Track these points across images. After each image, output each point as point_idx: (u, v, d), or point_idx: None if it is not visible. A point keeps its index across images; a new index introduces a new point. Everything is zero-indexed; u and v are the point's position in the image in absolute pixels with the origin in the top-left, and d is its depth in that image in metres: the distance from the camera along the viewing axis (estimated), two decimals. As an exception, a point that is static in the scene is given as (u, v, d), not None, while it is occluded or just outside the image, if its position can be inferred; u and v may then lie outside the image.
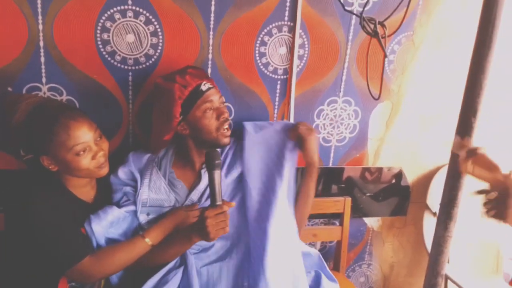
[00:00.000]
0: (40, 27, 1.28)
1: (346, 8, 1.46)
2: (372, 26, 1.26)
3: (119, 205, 1.30)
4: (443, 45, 1.66)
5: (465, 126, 0.71)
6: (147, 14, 1.36)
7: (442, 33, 1.64)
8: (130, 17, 1.35)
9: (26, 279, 1.17)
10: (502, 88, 1.78)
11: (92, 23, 1.32)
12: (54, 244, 1.11)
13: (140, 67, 1.41)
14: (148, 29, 1.38)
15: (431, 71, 1.69)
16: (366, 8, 1.42)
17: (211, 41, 1.44)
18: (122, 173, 1.34)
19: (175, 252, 1.26)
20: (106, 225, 1.23)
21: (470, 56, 0.94)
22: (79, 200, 1.24)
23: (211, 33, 1.43)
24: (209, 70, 1.47)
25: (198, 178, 1.35)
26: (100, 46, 1.35)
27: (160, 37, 1.40)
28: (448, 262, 1.74)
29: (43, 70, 1.33)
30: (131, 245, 1.19)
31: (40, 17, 1.28)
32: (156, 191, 1.31)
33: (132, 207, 1.30)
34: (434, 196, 1.80)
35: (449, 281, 1.71)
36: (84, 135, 1.15)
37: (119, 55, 1.38)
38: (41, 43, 1.30)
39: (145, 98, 1.45)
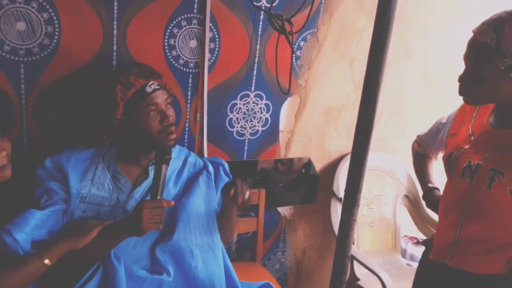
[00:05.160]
0: None
1: (255, 3, 1.48)
2: (280, 22, 1.29)
3: (39, 205, 1.17)
4: (343, 42, 1.78)
5: (364, 119, 0.77)
6: (40, 0, 1.23)
7: (342, 30, 1.75)
8: (20, 3, 1.21)
9: None
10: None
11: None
12: None
13: (34, 58, 1.28)
14: (42, 16, 1.24)
15: (334, 67, 1.80)
16: (273, 5, 1.45)
17: (115, 32, 1.35)
18: (49, 162, 1.22)
19: (97, 251, 1.13)
20: (29, 231, 1.11)
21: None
22: None
23: (115, 23, 1.34)
24: (114, 62, 1.39)
25: (144, 175, 1.29)
26: (-17, 34, 1.19)
27: (57, 25, 1.27)
28: (353, 243, 1.89)
29: None
30: (25, 268, 1.03)
31: None
32: (98, 187, 1.24)
33: (57, 207, 1.18)
34: (340, 183, 1.94)
35: (354, 261, 1.86)
36: None
37: (8, 44, 1.23)
38: None
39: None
